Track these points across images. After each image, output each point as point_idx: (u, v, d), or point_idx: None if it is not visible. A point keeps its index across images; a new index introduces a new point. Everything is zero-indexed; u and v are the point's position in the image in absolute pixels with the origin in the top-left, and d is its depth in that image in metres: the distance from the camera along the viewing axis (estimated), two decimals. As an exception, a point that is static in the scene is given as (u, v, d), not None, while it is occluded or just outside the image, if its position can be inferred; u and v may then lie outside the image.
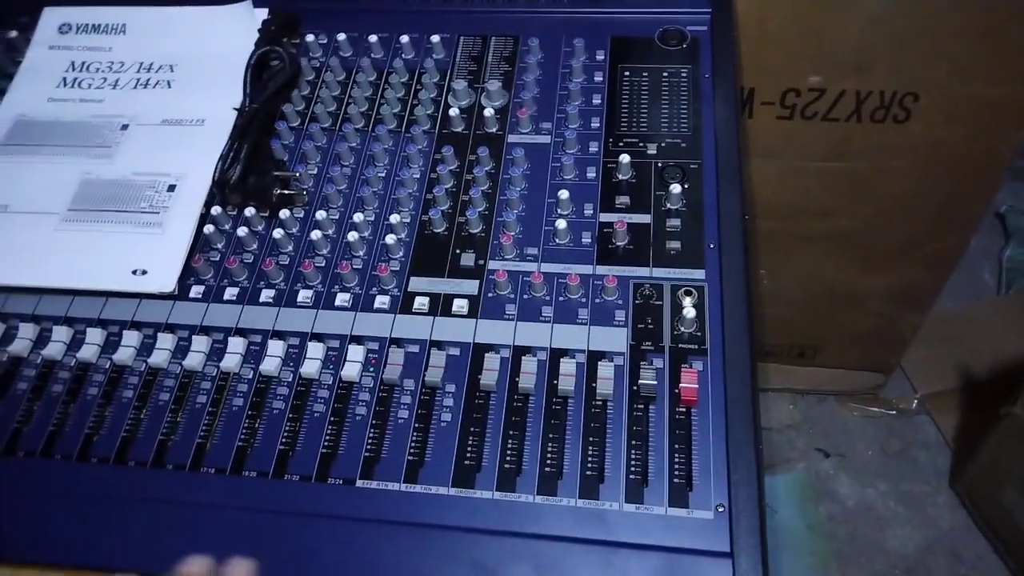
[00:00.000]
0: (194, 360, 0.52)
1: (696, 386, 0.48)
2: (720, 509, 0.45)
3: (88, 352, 0.53)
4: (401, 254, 0.56)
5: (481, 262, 0.55)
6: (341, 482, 0.48)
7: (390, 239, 0.56)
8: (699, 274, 0.53)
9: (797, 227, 1.08)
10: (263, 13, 0.68)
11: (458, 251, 0.56)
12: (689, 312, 0.50)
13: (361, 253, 0.56)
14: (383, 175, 0.60)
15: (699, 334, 0.51)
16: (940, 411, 1.35)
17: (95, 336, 0.54)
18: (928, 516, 1.25)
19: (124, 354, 0.52)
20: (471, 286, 0.54)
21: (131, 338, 0.53)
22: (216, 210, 0.58)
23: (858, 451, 1.34)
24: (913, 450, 1.34)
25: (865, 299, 1.20)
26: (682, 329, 0.51)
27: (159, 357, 0.52)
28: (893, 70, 0.86)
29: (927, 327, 1.22)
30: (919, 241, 1.07)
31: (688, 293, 0.52)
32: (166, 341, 0.53)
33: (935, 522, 1.24)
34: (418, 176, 0.60)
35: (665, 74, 0.63)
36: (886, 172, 0.99)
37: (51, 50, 0.68)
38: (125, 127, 0.62)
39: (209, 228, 0.57)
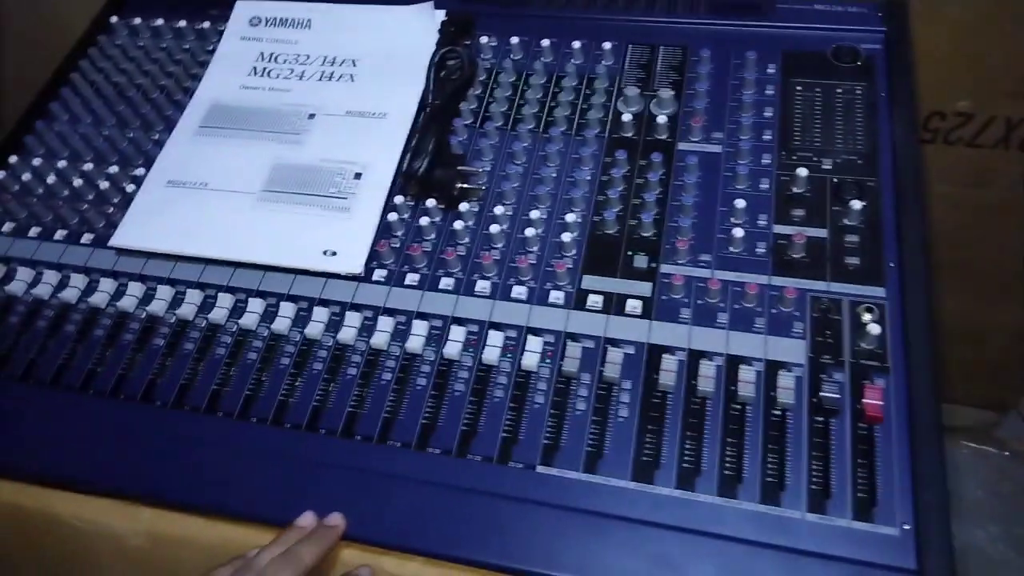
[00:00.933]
0: (380, 339, 0.55)
1: (881, 403, 0.48)
2: (906, 527, 0.45)
3: (281, 325, 0.56)
4: (574, 252, 0.58)
5: (654, 265, 0.57)
6: (522, 466, 0.50)
7: (565, 237, 0.57)
8: (879, 292, 0.53)
9: (925, 254, 1.05)
10: (441, 15, 0.71)
11: (630, 253, 0.58)
12: (873, 329, 0.50)
13: (535, 249, 0.58)
14: (555, 175, 0.62)
15: (881, 351, 0.51)
16: (1058, 455, 1.28)
17: (287, 310, 0.57)
18: (1041, 563, 1.19)
19: (314, 329, 0.56)
20: (644, 288, 0.56)
21: (320, 314, 0.56)
22: (398, 199, 0.61)
23: (968, 490, 1.29)
24: (1026, 494, 1.28)
25: (987, 334, 1.17)
26: (863, 345, 0.51)
27: (347, 334, 0.55)
28: (1049, 98, 0.84)
29: (1050, 366, 1.17)
30: (1054, 277, 1.03)
31: (869, 310, 0.52)
32: (354, 319, 0.56)
33: (1050, 570, 1.18)
34: (589, 178, 0.61)
35: (839, 91, 0.63)
36: (1028, 203, 0.96)
37: (243, 41, 0.72)
38: (312, 116, 0.66)
39: (392, 216, 0.60)
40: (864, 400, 0.48)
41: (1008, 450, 1.31)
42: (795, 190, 0.58)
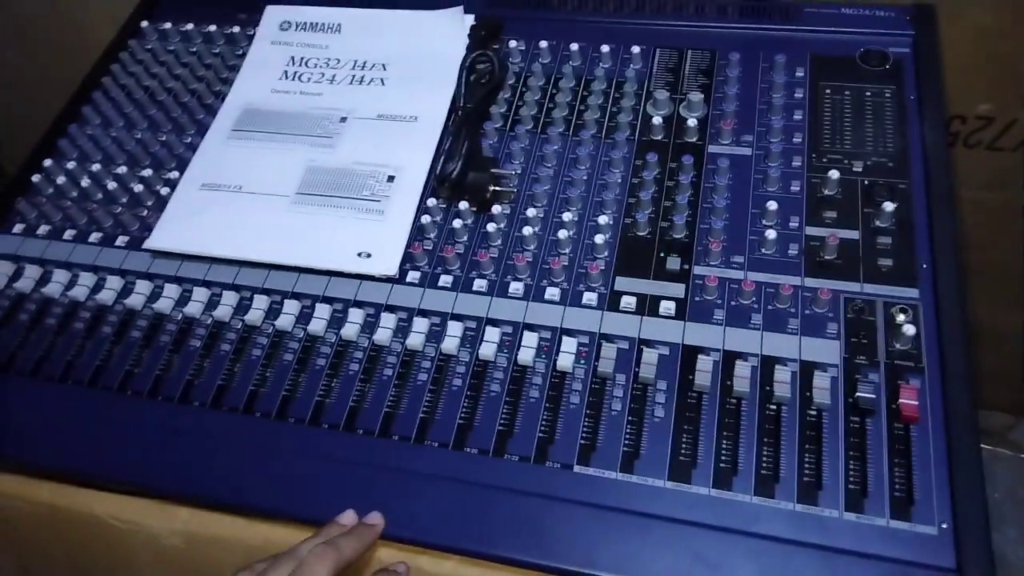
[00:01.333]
0: (415, 340, 0.55)
1: (917, 403, 0.48)
2: (944, 526, 0.45)
3: (317, 326, 0.57)
4: (607, 254, 0.58)
5: (686, 266, 0.57)
6: (559, 466, 0.50)
7: (598, 239, 0.58)
8: (913, 293, 0.54)
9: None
10: (470, 19, 0.71)
11: (662, 254, 0.58)
12: (909, 330, 0.51)
13: (567, 251, 0.59)
14: (586, 178, 0.63)
15: (915, 352, 0.51)
16: (1077, 458, 1.28)
17: (323, 311, 0.58)
18: (1061, 567, 1.19)
19: (350, 330, 0.56)
20: (677, 289, 0.56)
21: (356, 316, 0.57)
22: (431, 202, 0.61)
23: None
24: (1044, 497, 1.28)
25: (1006, 337, 1.17)
26: (897, 346, 0.52)
27: (382, 335, 0.56)
28: (1071, 101, 0.84)
29: (1068, 369, 1.17)
30: (1073, 280, 1.03)
31: (903, 311, 0.53)
32: (389, 320, 0.56)
33: (1070, 574, 1.18)
34: (619, 180, 0.62)
35: (868, 94, 0.64)
36: (1048, 207, 0.96)
37: (273, 45, 0.73)
38: (344, 119, 0.67)
39: (425, 218, 0.60)
40: (900, 400, 0.49)
41: (1025, 453, 1.31)
42: (826, 192, 0.59)
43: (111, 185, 0.66)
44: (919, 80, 0.64)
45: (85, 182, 0.67)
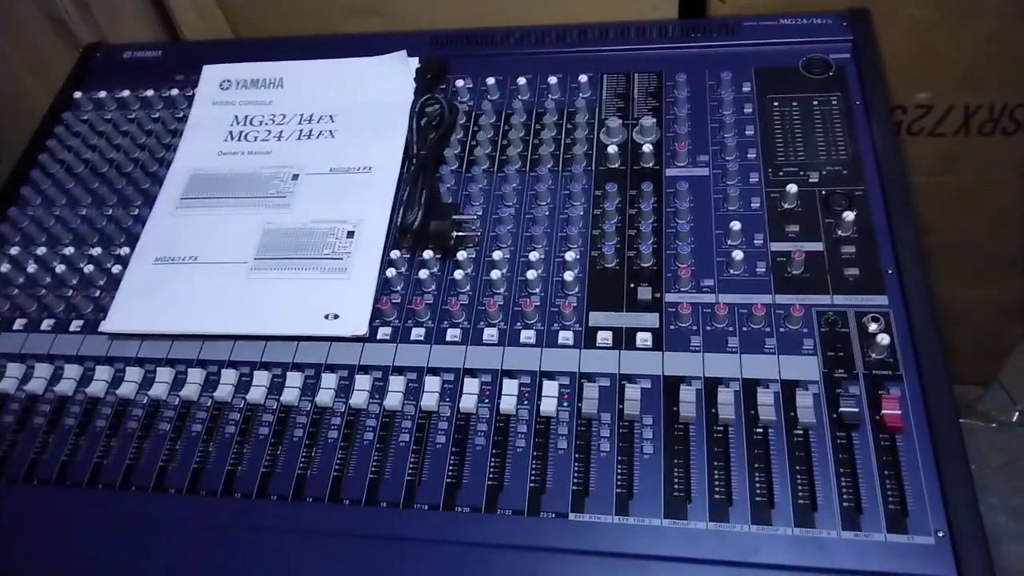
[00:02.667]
0: (393, 400, 0.54)
1: (900, 412, 0.49)
2: (940, 534, 0.46)
3: (290, 395, 0.55)
4: (577, 290, 0.58)
5: (658, 295, 0.57)
6: (553, 515, 0.49)
7: (568, 275, 0.57)
8: (882, 300, 0.54)
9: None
10: (415, 62, 0.71)
11: (632, 285, 0.58)
12: (883, 339, 0.51)
13: (538, 290, 0.58)
14: (547, 213, 0.62)
15: (892, 360, 0.52)
16: (1043, 422, 1.32)
17: (295, 379, 0.56)
18: (1044, 531, 1.22)
19: (325, 396, 0.55)
20: (651, 319, 0.56)
21: (329, 380, 0.56)
22: (395, 254, 0.60)
23: (963, 466, 1.31)
24: (1019, 463, 1.31)
25: (967, 312, 1.19)
26: (873, 355, 0.52)
27: (358, 398, 0.54)
28: (1004, 84, 0.87)
29: (1027, 337, 1.21)
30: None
31: (875, 319, 0.53)
32: (364, 382, 0.55)
33: (1053, 537, 1.21)
34: (582, 213, 0.62)
35: (815, 102, 0.65)
36: (993, 185, 0.99)
37: (215, 105, 0.71)
38: (296, 177, 0.65)
39: (390, 271, 0.59)
40: (883, 412, 0.49)
41: (995, 422, 1.34)
42: (786, 206, 0.59)
43: (59, 268, 0.64)
44: (863, 84, 0.65)
45: (32, 267, 0.64)
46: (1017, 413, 1.35)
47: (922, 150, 0.95)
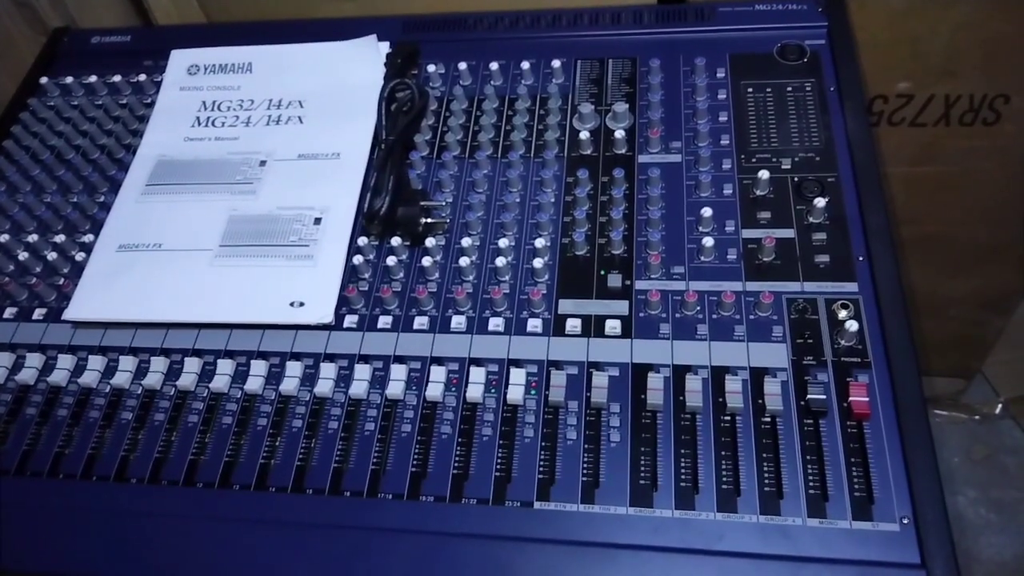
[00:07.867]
0: (358, 389, 0.53)
1: (867, 399, 0.48)
2: (905, 521, 0.45)
3: (254, 384, 0.54)
4: (547, 277, 0.57)
5: (628, 282, 0.56)
6: (519, 504, 0.49)
7: (537, 263, 0.57)
8: (852, 287, 0.54)
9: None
10: (385, 47, 0.70)
11: (603, 272, 0.57)
12: (852, 326, 0.51)
13: (507, 278, 0.57)
14: (518, 200, 0.61)
15: (860, 347, 0.51)
16: (1025, 415, 1.32)
17: (259, 368, 0.55)
18: (1022, 523, 1.22)
19: (289, 385, 0.54)
20: (621, 307, 0.55)
21: (294, 369, 0.55)
22: (362, 240, 0.59)
23: (943, 458, 1.32)
24: (1000, 456, 1.32)
25: (949, 304, 1.20)
26: (842, 342, 0.52)
27: (324, 387, 0.53)
28: (983, 73, 0.86)
29: (1009, 330, 1.21)
30: (1006, 244, 1.06)
31: (844, 306, 0.53)
32: (329, 371, 0.54)
33: (1031, 527, 1.22)
34: (553, 200, 0.61)
35: (789, 89, 0.64)
36: (974, 175, 0.99)
37: (182, 91, 0.70)
38: (263, 163, 0.64)
39: (357, 259, 0.58)
40: (850, 398, 0.49)
41: (977, 415, 1.35)
42: (758, 193, 0.59)
43: (22, 255, 0.63)
44: (837, 70, 0.64)
45: (-6, 254, 0.63)
46: (1000, 406, 1.35)
47: (903, 140, 0.95)
